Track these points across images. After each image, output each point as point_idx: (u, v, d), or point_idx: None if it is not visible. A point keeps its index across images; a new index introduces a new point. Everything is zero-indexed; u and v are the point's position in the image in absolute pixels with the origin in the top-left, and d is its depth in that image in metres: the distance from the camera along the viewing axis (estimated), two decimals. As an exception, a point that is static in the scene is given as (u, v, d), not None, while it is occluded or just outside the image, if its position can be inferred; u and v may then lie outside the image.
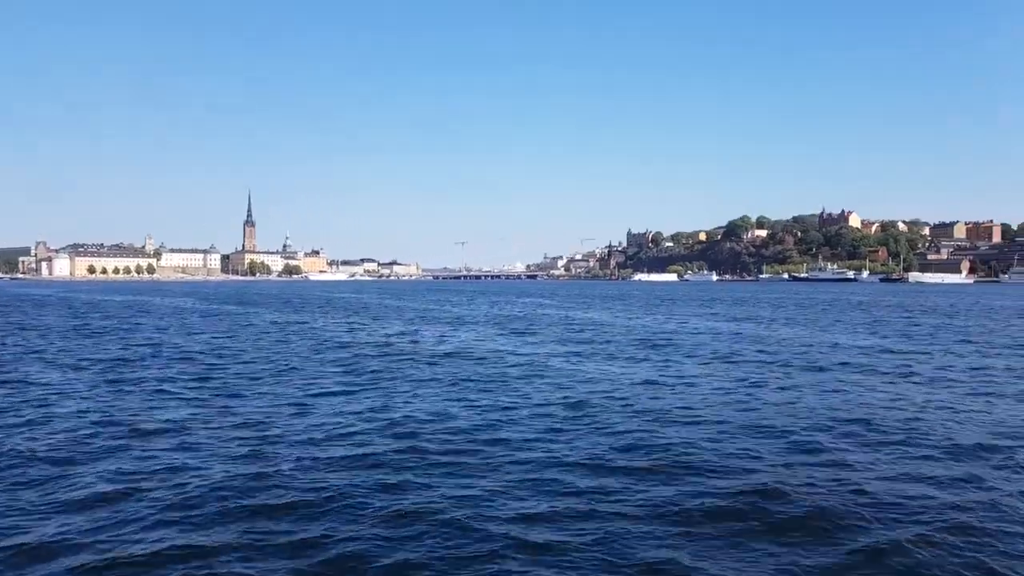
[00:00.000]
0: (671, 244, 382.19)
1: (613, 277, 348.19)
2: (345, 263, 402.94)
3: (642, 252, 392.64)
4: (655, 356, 22.88)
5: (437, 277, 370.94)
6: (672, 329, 34.97)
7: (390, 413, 12.91)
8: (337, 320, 42.01)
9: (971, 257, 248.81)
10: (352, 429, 11.58)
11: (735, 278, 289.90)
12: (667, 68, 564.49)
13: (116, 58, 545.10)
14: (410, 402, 14.16)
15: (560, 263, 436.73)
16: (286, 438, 10.96)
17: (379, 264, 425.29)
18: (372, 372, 18.77)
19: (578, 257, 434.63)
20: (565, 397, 14.74)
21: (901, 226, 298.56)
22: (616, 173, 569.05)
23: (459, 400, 14.41)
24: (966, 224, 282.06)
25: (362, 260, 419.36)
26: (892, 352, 24.39)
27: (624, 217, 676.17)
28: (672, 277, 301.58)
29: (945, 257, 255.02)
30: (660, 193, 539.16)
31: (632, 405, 13.90)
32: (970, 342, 28.36)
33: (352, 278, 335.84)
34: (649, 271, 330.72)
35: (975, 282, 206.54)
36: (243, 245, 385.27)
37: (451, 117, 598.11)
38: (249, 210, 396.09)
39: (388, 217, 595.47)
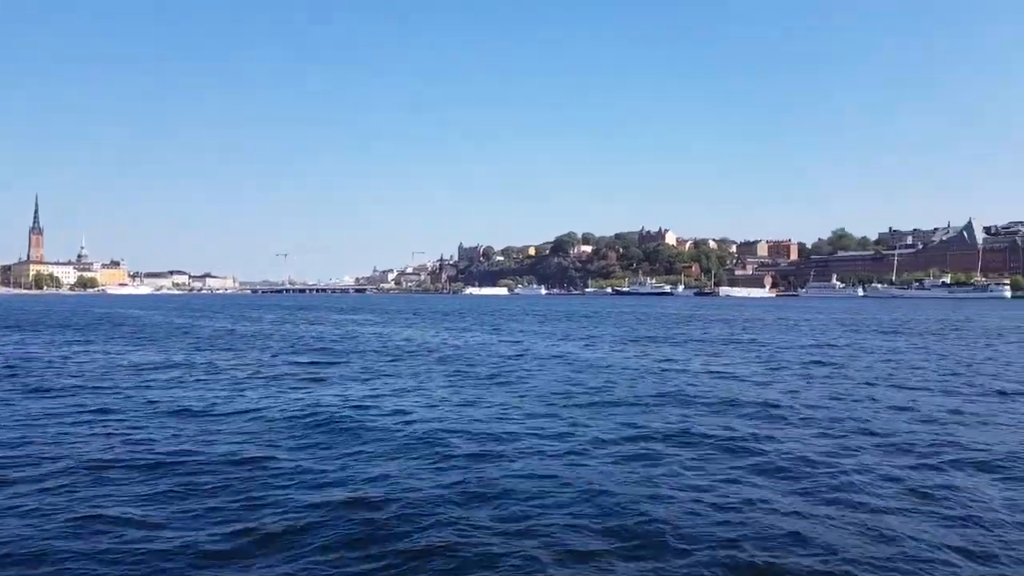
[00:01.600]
0: (502, 258, 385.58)
1: (445, 291, 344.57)
2: (151, 276, 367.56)
3: (474, 266, 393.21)
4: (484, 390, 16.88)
5: (256, 291, 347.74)
6: (512, 354, 29.32)
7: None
8: (71, 342, 32.36)
9: (773, 273, 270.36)
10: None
11: (563, 292, 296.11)
12: (488, 82, 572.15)
13: None
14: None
15: (391, 276, 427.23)
16: None
17: (190, 277, 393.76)
18: None
19: (409, 271, 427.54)
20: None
21: (712, 244, 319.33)
22: (447, 186, 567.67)
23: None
24: (768, 242, 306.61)
25: (171, 272, 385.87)
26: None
27: (456, 231, 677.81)
28: (503, 291, 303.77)
29: (750, 273, 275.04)
30: (492, 207, 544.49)
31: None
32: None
33: (158, 292, 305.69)
34: (480, 285, 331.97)
35: (777, 296, 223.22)
36: (28, 255, 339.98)
37: (275, 122, 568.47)
38: (36, 216, 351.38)
39: (203, 226, 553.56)
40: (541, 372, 21.19)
